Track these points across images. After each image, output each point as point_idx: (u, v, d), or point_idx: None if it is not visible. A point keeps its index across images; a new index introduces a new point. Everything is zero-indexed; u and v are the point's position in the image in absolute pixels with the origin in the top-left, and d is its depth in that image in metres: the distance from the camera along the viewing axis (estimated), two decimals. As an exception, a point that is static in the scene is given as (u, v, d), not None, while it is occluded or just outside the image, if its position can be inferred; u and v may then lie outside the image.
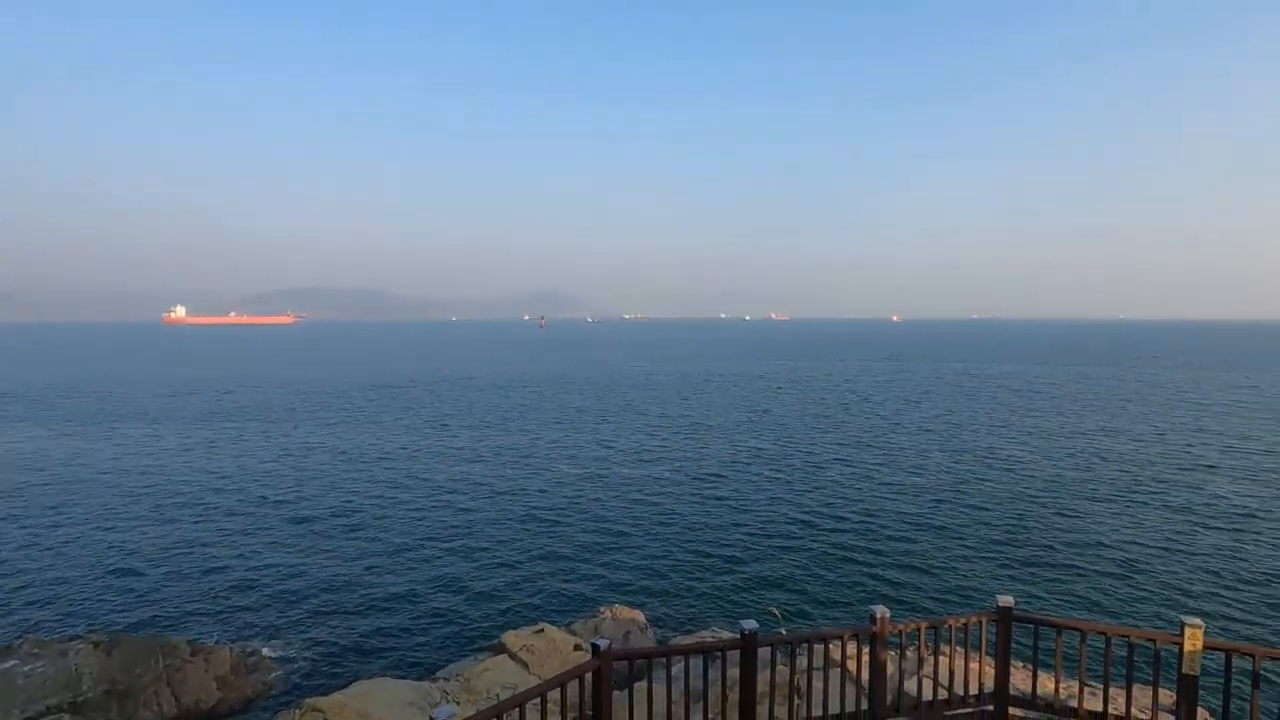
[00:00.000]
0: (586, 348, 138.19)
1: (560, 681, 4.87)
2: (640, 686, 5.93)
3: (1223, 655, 5.85)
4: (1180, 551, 17.78)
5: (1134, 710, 6.29)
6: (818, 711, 6.14)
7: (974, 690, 6.46)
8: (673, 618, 14.55)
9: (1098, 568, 16.76)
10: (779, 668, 6.69)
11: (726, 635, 11.03)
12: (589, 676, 5.14)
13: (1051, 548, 18.13)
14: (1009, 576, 16.30)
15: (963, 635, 6.36)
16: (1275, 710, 5.75)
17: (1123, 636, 6.08)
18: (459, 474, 26.83)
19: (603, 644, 5.17)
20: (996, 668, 6.38)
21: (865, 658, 6.22)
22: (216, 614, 14.75)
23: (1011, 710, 6.45)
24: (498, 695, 9.33)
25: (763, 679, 6.94)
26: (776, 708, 6.28)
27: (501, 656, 10.93)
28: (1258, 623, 13.77)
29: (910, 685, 6.89)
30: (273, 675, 12.37)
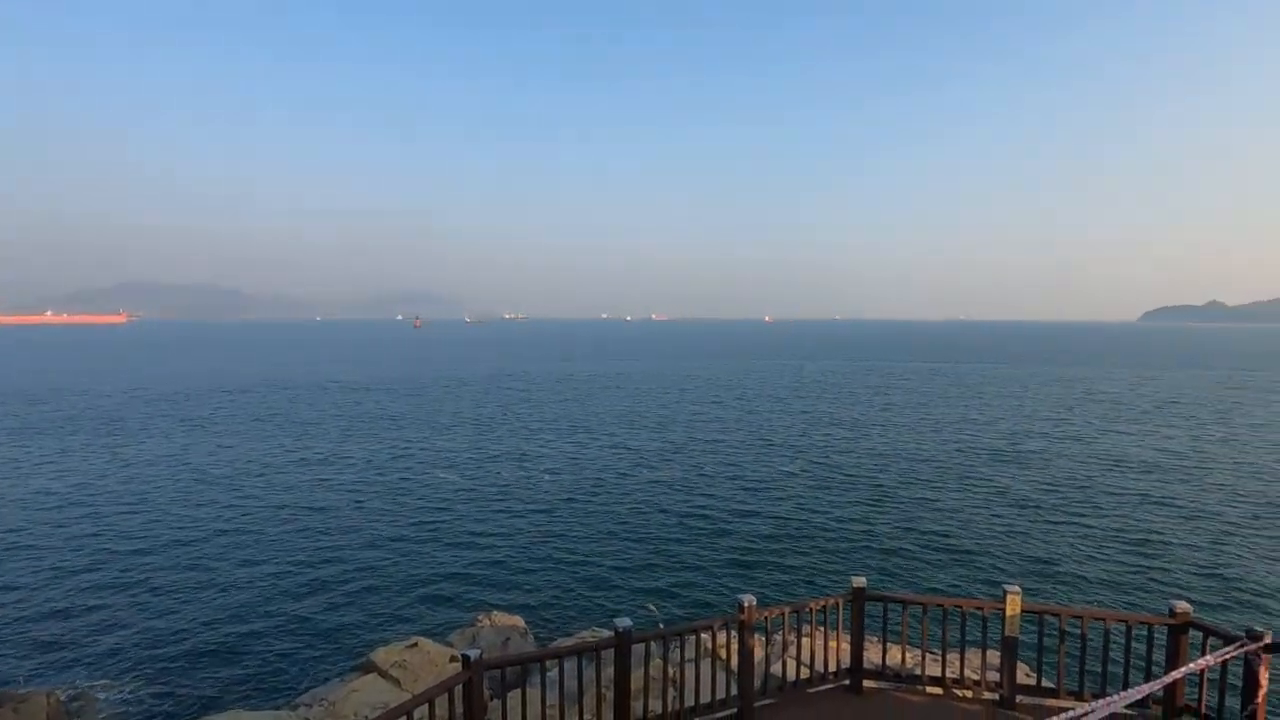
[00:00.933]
0: (464, 348, 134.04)
1: (429, 696, 4.69)
2: (517, 693, 5.84)
3: (1037, 616, 6.66)
4: (1003, 527, 20.06)
5: (967, 671, 7.02)
6: (691, 701, 6.34)
7: (833, 667, 6.94)
8: (553, 621, 14.46)
9: (938, 545, 18.54)
10: (656, 662, 6.84)
11: (606, 635, 11.13)
12: (460, 689, 4.99)
13: (900, 530, 19.83)
14: (862, 559, 17.64)
15: (822, 617, 6.81)
16: (1075, 657, 6.62)
17: (957, 607, 6.75)
18: (322, 484, 25.12)
19: (473, 654, 5.04)
20: (852, 644, 6.88)
21: (735, 645, 6.49)
22: (31, 652, 12.88)
23: (866, 682, 6.98)
24: (365, 717, 8.84)
25: (640, 675, 7.06)
26: (652, 701, 6.40)
27: (371, 675, 10.36)
28: (1065, 585, 15.83)
29: (777, 667, 7.28)
30: (103, 719, 10.99)
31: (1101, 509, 21.91)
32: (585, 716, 5.73)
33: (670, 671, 6.46)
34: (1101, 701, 4.89)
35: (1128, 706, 6.26)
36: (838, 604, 6.75)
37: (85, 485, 24.70)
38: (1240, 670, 5.77)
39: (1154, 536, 19.16)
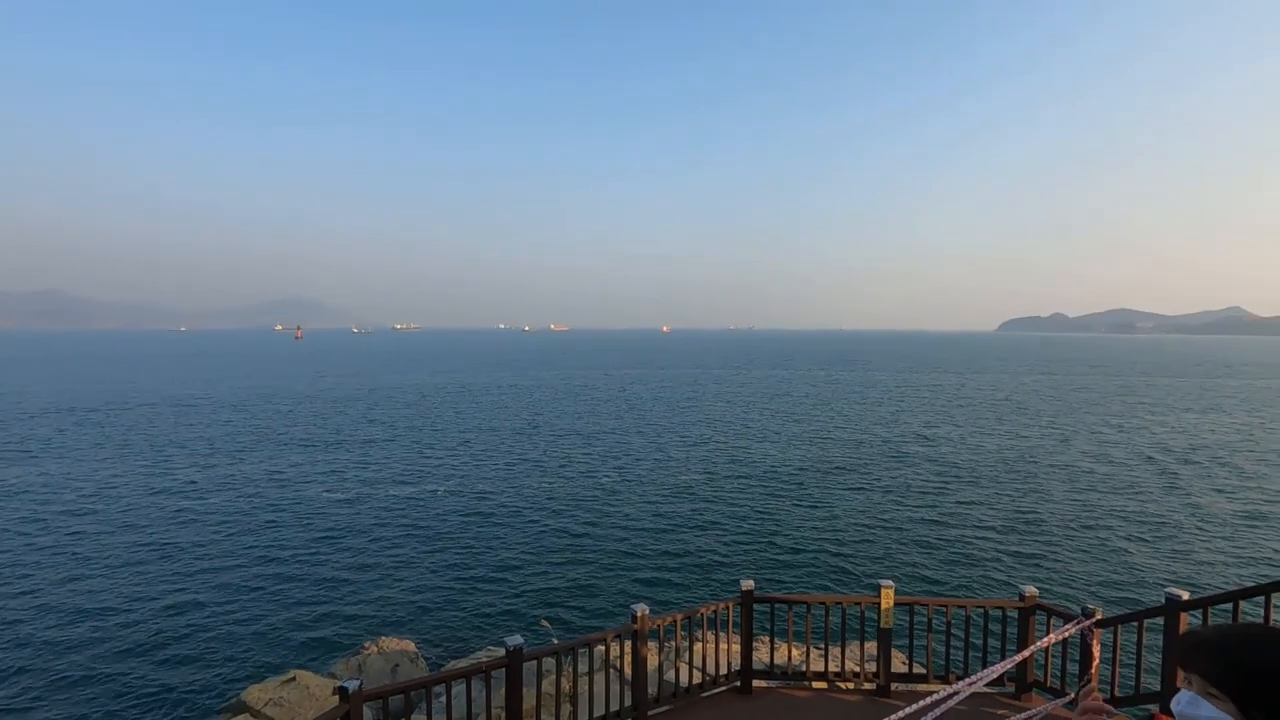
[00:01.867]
0: (351, 360, 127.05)
1: (301, 736, 4.37)
2: (402, 724, 5.55)
3: (909, 608, 7.14)
4: (879, 524, 21.41)
5: (849, 664, 7.41)
6: (586, 716, 6.29)
7: (724, 670, 7.11)
8: (447, 643, 13.93)
9: (822, 545, 19.48)
10: (553, 678, 6.72)
11: (499, 654, 10.87)
12: (338, 724, 4.69)
13: (787, 532, 20.69)
14: (752, 562, 18.24)
15: (714, 621, 6.97)
16: (941, 642, 7.14)
17: (838, 603, 7.13)
18: (185, 510, 22.92)
19: (351, 685, 4.75)
20: (742, 646, 7.09)
21: (630, 656, 6.51)
22: None
23: (756, 682, 7.20)
24: (233, 763, 8.12)
25: (533, 693, 6.92)
26: (546, 718, 6.30)
27: (242, 717, 9.55)
28: (934, 579, 17.10)
29: (671, 674, 7.36)
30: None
31: (967, 503, 23.86)
32: (476, 741, 5.54)
33: (565, 686, 6.38)
34: (964, 683, 5.29)
35: (987, 685, 6.83)
36: (728, 608, 6.94)
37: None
38: (1078, 644, 6.45)
39: (1009, 526, 21.09)
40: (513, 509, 23.29)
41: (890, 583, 6.96)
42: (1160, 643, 6.03)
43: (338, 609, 15.40)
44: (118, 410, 49.17)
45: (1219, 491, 26.12)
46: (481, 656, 11.93)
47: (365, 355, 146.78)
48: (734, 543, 19.74)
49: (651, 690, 6.77)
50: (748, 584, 6.99)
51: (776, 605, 7.16)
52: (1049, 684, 6.98)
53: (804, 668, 7.27)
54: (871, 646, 7.52)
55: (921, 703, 4.83)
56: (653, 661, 7.22)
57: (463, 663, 12.00)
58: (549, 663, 6.09)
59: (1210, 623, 5.73)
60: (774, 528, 21.06)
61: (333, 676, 11.26)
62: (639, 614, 6.29)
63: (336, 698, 8.62)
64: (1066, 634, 6.27)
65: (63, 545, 19.29)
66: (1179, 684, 1.75)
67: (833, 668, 7.26)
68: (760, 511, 22.90)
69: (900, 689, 7.06)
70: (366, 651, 12.41)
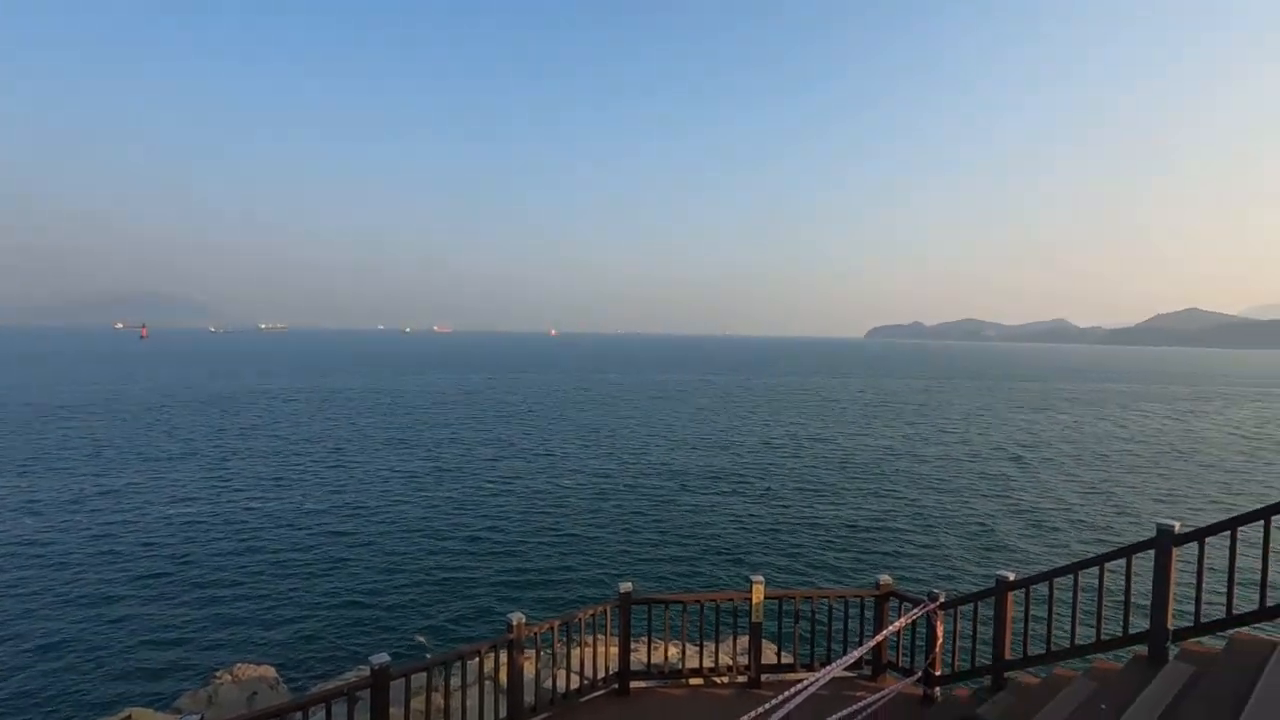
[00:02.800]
0: (205, 363, 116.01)
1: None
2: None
3: (777, 601, 7.48)
4: (753, 523, 22.37)
5: (724, 659, 7.65)
6: (459, 730, 6.08)
7: (603, 674, 7.13)
8: (311, 665, 13.02)
9: (697, 545, 20.00)
10: (424, 695, 6.43)
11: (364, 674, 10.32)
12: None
13: (663, 533, 21.07)
14: (631, 565, 18.40)
15: (591, 625, 6.97)
16: (808, 632, 7.55)
17: (712, 601, 7.35)
18: (-2, 534, 20.00)
19: (191, 719, 4.32)
20: (620, 649, 7.13)
21: (507, 666, 6.37)
22: None
23: (633, 683, 7.27)
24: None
25: (404, 712, 6.61)
26: (417, 738, 6.03)
27: (60, 766, 8.44)
28: (802, 572, 18.08)
29: (550, 681, 7.28)
30: None
31: (833, 500, 25.43)
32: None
33: (438, 703, 6.13)
34: (825, 670, 5.61)
35: (847, 669, 7.28)
36: (606, 611, 6.96)
37: None
38: (925, 626, 7.02)
39: (870, 520, 22.71)
40: (381, 521, 22.11)
41: (760, 578, 7.26)
42: (992, 619, 6.69)
43: (186, 635, 13.99)
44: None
45: (1045, 483, 29.48)
46: (350, 677, 11.25)
47: (212, 357, 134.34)
48: (614, 547, 19.84)
49: (529, 699, 6.66)
50: (626, 586, 7.05)
51: (654, 606, 7.28)
52: (900, 664, 7.56)
53: (681, 665, 7.43)
54: (745, 640, 7.81)
55: (788, 692, 5.06)
56: (530, 670, 7.10)
57: (327, 686, 11.26)
58: (420, 680, 5.83)
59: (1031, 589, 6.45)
60: (654, 531, 21.38)
61: (176, 711, 10.21)
62: (515, 622, 6.17)
63: (176, 735, 7.81)
64: (914, 617, 6.82)
65: None
66: None
67: (708, 664, 7.48)
68: (640, 515, 23.16)
69: (770, 679, 7.38)
70: (219, 680, 11.34)
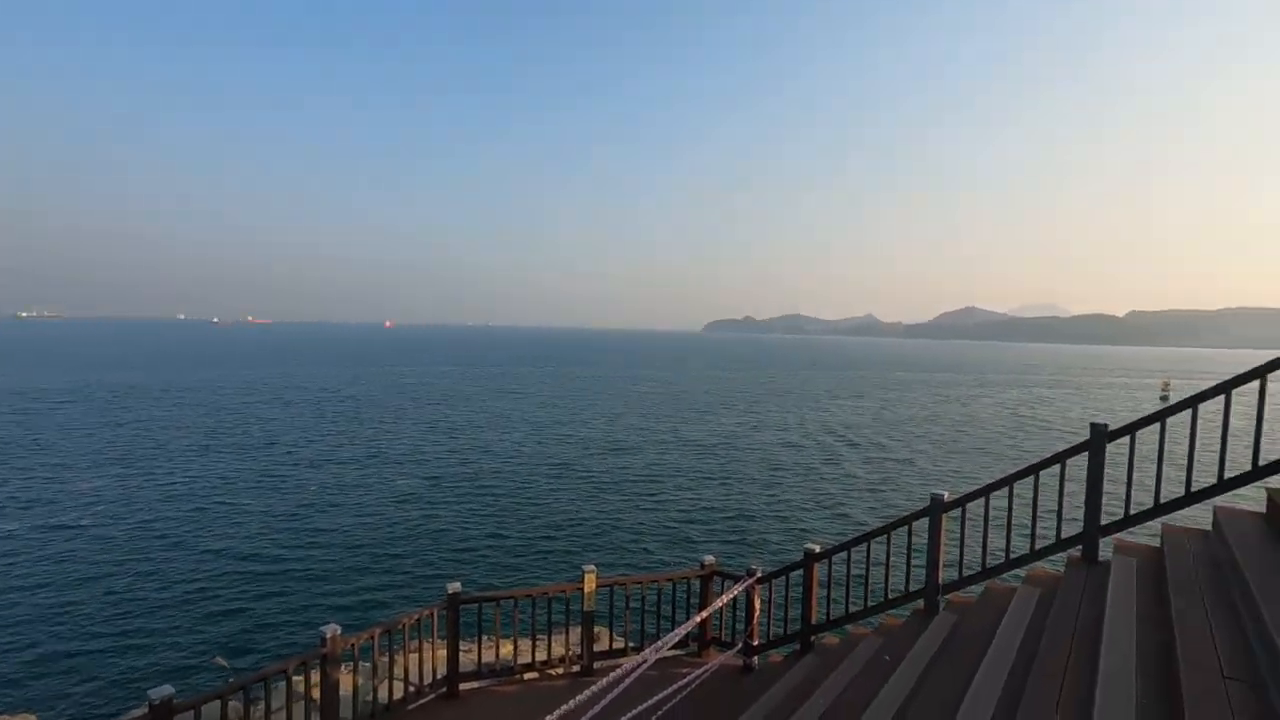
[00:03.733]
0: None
1: None
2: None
3: (609, 589, 7.63)
4: (587, 513, 22.72)
5: (558, 651, 7.67)
6: (263, 760, 5.54)
7: (429, 679, 6.85)
8: (89, 705, 11.25)
9: (531, 538, 19.80)
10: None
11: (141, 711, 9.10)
12: None
13: (494, 529, 20.59)
14: (460, 564, 17.76)
15: (418, 630, 6.67)
16: (638, 613, 7.78)
17: (544, 594, 7.33)
18: None
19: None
20: (448, 651, 6.90)
21: (320, 683, 5.91)
22: None
23: (463, 685, 7.07)
24: None
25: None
26: (212, 775, 5.40)
27: None
28: (635, 559, 18.67)
29: (373, 694, 6.87)
30: None
31: (668, 488, 26.47)
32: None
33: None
34: (650, 649, 5.81)
35: (674, 648, 7.61)
36: (433, 614, 6.69)
37: None
38: (745, 601, 7.52)
39: (698, 504, 23.94)
40: (171, 537, 19.51)
41: (593, 568, 7.37)
42: (801, 590, 7.31)
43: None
44: None
45: (853, 461, 32.82)
46: (135, 713, 9.88)
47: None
48: (445, 549, 18.97)
49: (348, 715, 6.24)
50: (454, 587, 6.83)
51: (485, 604, 7.12)
52: (724, 638, 8.04)
53: (513, 662, 7.34)
54: (579, 631, 7.88)
55: (615, 674, 5.17)
56: (348, 685, 6.65)
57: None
58: (212, 711, 5.21)
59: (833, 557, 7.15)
60: (487, 529, 20.76)
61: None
62: (328, 635, 5.73)
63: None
64: (734, 593, 7.28)
65: None
66: None
67: (541, 657, 7.45)
68: (474, 513, 22.42)
69: (602, 665, 7.52)
70: (-44, 739, 9.48)
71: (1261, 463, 5.26)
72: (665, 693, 6.20)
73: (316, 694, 6.09)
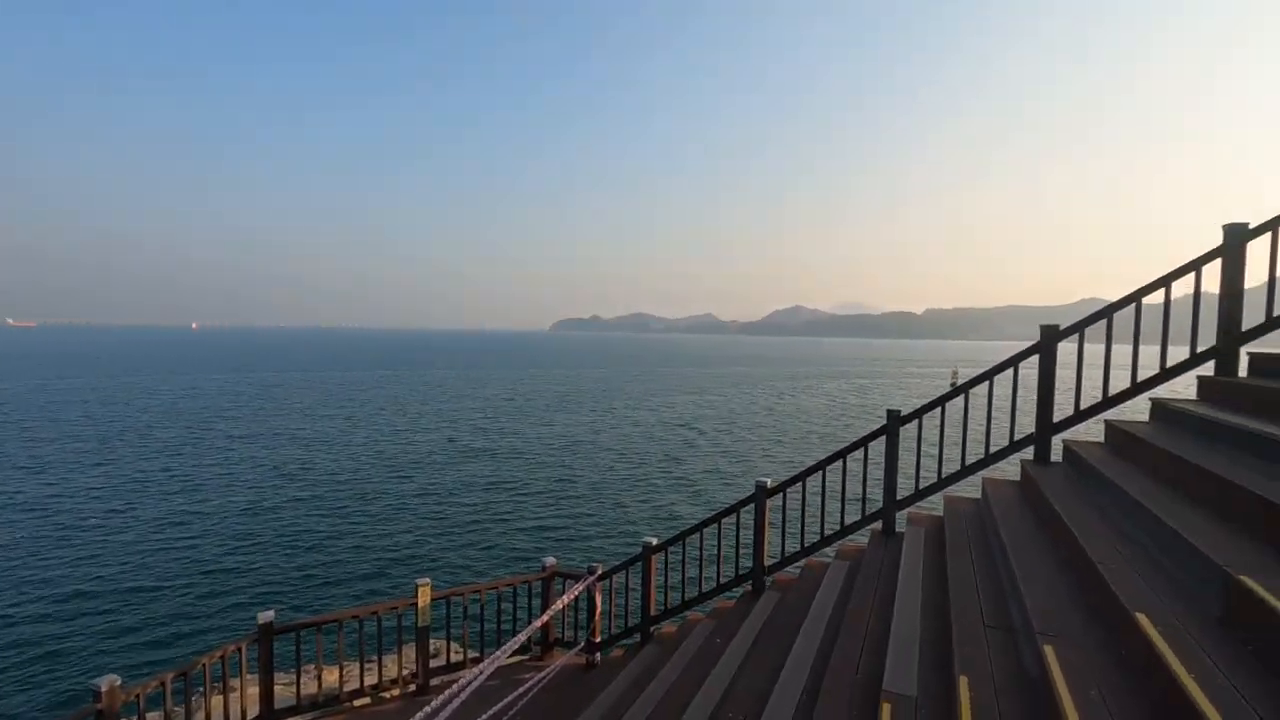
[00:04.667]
0: None
1: None
2: None
3: (445, 601, 7.31)
4: (418, 525, 21.71)
5: (392, 672, 7.21)
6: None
7: (240, 721, 6.15)
8: None
9: (356, 557, 18.11)
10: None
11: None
12: None
13: (313, 549, 18.67)
14: (273, 591, 15.94)
15: (222, 669, 5.96)
16: (477, 626, 7.54)
17: (373, 614, 6.84)
18: None
19: None
20: (261, 688, 6.24)
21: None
22: None
23: (281, 722, 6.43)
24: None
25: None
26: None
27: None
28: (474, 567, 18.10)
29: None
30: None
31: (505, 491, 25.94)
32: None
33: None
34: (489, 659, 5.64)
35: (515, 653, 7.47)
36: (240, 649, 6.00)
37: None
38: (587, 598, 7.55)
39: (539, 507, 23.77)
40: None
41: (427, 580, 7.02)
42: (640, 583, 7.48)
43: None
44: None
45: (687, 459, 34.31)
46: None
47: None
48: (252, 578, 16.69)
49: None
50: (266, 616, 6.18)
51: (304, 631, 6.51)
52: (566, 639, 8.02)
53: (339, 690, 6.80)
54: (411, 649, 7.48)
55: (453, 689, 4.95)
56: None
57: None
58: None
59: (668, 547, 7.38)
60: (312, 550, 18.76)
61: None
62: (104, 689, 4.93)
63: None
64: (576, 592, 7.28)
65: None
66: None
67: (372, 681, 6.98)
68: (300, 533, 20.27)
69: (439, 682, 7.19)
70: None
71: (1016, 438, 6.22)
72: (506, 700, 6.07)
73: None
